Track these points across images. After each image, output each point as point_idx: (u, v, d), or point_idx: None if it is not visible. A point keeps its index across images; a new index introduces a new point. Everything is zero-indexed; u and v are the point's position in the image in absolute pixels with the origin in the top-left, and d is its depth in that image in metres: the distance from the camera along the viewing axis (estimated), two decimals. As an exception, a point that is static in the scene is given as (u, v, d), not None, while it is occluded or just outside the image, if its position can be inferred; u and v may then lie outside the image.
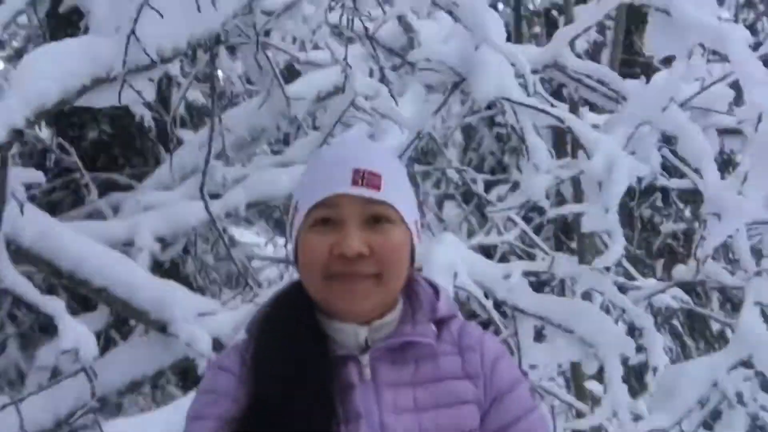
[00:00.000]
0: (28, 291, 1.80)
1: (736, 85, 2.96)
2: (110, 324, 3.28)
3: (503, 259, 5.27)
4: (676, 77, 2.58)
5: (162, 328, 2.26)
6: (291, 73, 4.31)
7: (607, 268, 2.41)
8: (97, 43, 1.81)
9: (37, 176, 2.14)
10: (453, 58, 2.51)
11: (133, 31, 1.77)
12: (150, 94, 1.93)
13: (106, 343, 3.11)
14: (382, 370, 1.07)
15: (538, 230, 5.07)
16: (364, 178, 1.07)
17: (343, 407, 1.04)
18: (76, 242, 2.17)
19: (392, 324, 1.11)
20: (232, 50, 4.80)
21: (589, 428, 2.28)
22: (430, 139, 4.41)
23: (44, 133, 4.27)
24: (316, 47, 3.80)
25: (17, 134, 1.61)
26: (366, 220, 1.07)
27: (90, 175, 3.82)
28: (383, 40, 3.80)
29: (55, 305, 1.79)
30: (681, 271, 2.91)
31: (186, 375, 3.09)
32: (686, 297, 3.52)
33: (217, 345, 2.30)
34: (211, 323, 2.32)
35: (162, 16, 1.79)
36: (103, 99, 1.85)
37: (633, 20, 4.61)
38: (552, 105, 2.77)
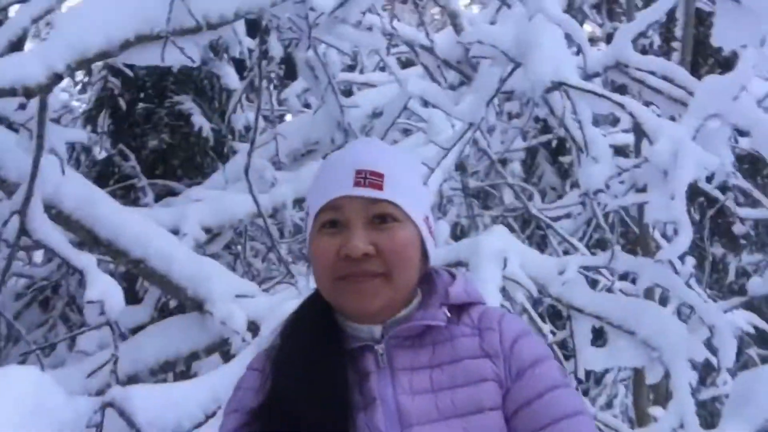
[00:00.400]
0: (60, 244, 1.77)
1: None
2: (154, 318, 3.26)
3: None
4: (747, 65, 2.41)
5: (198, 305, 2.20)
6: (346, 94, 4.32)
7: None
8: (145, 0, 1.81)
9: (79, 135, 2.14)
10: (506, 41, 2.42)
11: (180, -8, 1.77)
12: (195, 57, 1.91)
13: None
14: (397, 356, 1.08)
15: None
16: (366, 178, 1.09)
17: (361, 394, 1.05)
18: (117, 212, 2.14)
19: (409, 318, 1.12)
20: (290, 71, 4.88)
21: (653, 438, 2.06)
22: (488, 161, 4.33)
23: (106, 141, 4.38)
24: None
25: (56, 78, 1.61)
26: (371, 220, 1.08)
27: (148, 182, 3.88)
28: (440, 52, 3.77)
29: (85, 259, 1.75)
30: (756, 284, 2.66)
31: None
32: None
33: (253, 326, 2.21)
34: (248, 305, 2.24)
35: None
36: (145, 57, 1.84)
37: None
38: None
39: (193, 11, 1.87)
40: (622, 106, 2.38)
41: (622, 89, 3.49)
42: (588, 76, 2.79)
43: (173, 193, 4.10)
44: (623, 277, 3.34)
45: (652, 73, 2.89)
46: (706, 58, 4.66)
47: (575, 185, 6.36)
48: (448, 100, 2.75)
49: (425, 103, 3.50)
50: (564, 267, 2.32)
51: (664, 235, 3.86)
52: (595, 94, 2.38)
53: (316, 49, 3.26)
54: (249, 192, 2.48)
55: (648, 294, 2.33)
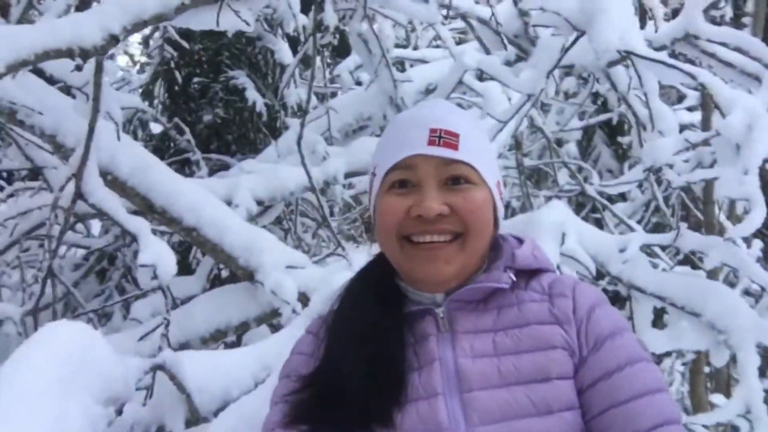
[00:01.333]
0: (115, 209, 1.77)
1: None
2: (206, 289, 3.29)
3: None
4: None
5: (250, 275, 2.19)
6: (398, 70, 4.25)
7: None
8: (201, -37, 1.79)
9: (135, 101, 2.15)
10: (570, 8, 2.32)
11: (236, -44, 1.74)
12: (250, 22, 1.88)
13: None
14: (459, 320, 1.04)
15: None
16: (441, 137, 1.04)
17: (416, 355, 1.02)
18: (172, 180, 2.15)
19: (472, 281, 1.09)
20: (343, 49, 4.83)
21: (715, 425, 1.95)
22: (544, 138, 4.20)
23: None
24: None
25: (113, 40, 1.60)
26: (445, 181, 1.04)
27: (202, 156, 3.91)
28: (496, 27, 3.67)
29: (139, 223, 1.75)
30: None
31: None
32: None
33: (303, 297, 2.19)
34: (298, 276, 2.22)
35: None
36: (200, 21, 1.81)
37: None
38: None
39: (248, -25, 1.84)
40: (693, 77, 2.26)
41: (690, 64, 3.34)
42: (654, 50, 2.66)
43: (227, 168, 4.14)
44: (684, 261, 3.21)
45: (724, 45, 2.74)
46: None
47: (633, 167, 6.16)
48: (506, 72, 2.66)
49: (480, 78, 3.42)
50: (625, 245, 2.22)
51: (728, 218, 3.69)
52: (665, 64, 2.27)
53: (371, 21, 3.21)
54: (301, 163, 2.46)
55: (710, 277, 2.20)
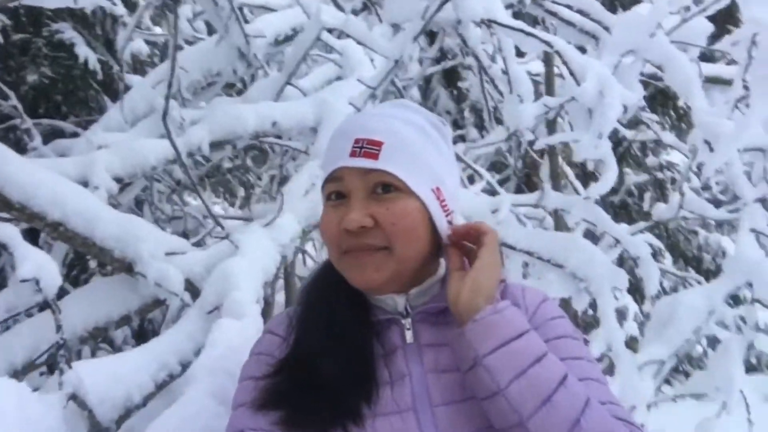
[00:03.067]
0: (-24, 216, 1.58)
1: (712, 19, 2.89)
2: (63, 275, 3.04)
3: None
4: (663, 3, 2.49)
5: (128, 267, 2.06)
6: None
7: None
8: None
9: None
10: (436, -25, 2.35)
11: None
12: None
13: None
14: (423, 332, 1.08)
15: (501, 184, 5.02)
16: (363, 147, 1.06)
17: (389, 369, 1.05)
18: (27, 170, 1.92)
19: (435, 287, 1.13)
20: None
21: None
22: (391, 85, 4.26)
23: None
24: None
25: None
26: (373, 189, 1.06)
27: (32, 122, 3.52)
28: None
29: (8, 231, 1.57)
30: (661, 210, 2.85)
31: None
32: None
33: (190, 286, 2.11)
34: (180, 262, 2.12)
35: None
36: (57, -1, 1.61)
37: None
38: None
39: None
40: (549, 44, 2.40)
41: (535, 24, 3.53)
42: (506, 7, 2.79)
43: (62, 134, 3.77)
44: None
45: (569, 7, 2.93)
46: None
47: (472, 109, 6.46)
48: (370, 36, 2.65)
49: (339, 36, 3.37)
50: (497, 206, 2.37)
51: (568, 165, 4.04)
52: (523, 32, 2.39)
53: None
54: (168, 138, 2.31)
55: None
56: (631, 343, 3.41)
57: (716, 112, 2.36)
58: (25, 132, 3.43)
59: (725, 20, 3.17)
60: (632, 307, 3.35)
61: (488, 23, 2.38)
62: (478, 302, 1.01)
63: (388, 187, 1.06)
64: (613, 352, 2.17)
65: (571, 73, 2.41)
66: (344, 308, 1.10)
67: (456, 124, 6.92)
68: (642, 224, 2.95)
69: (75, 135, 3.78)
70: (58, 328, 1.44)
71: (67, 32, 3.80)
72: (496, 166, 5.73)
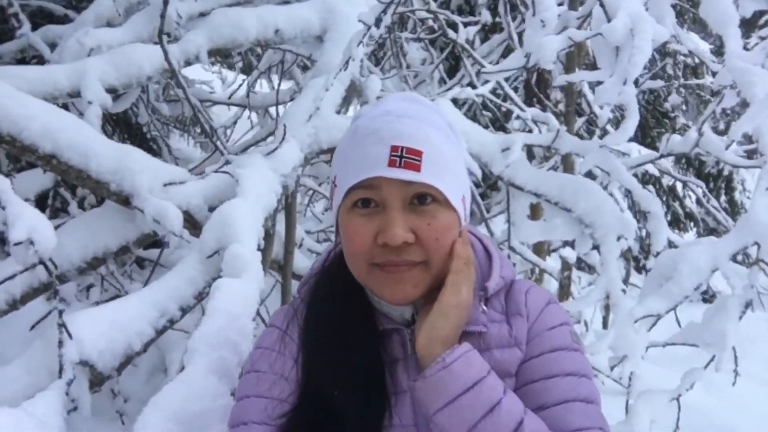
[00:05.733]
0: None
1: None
2: (58, 182, 2.99)
3: (470, 109, 5.04)
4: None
5: (124, 200, 2.00)
6: None
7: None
8: None
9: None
10: None
11: None
12: None
13: (53, 210, 2.84)
14: None
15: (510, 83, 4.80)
16: (402, 157, 1.00)
17: (392, 380, 1.04)
18: (17, 100, 1.82)
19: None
20: None
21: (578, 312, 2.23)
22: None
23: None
24: None
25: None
26: (411, 200, 1.02)
27: (19, 3, 3.30)
28: None
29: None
30: (676, 142, 2.76)
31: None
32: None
33: (189, 218, 2.07)
34: (179, 194, 2.06)
35: None
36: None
37: None
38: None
39: None
40: (580, -30, 2.20)
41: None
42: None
43: (52, 17, 3.55)
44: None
45: None
46: None
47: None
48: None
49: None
50: (508, 144, 2.27)
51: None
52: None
53: None
54: (165, 59, 2.16)
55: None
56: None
57: (750, 57, 2.21)
58: (13, 16, 3.23)
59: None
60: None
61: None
62: (435, 350, 0.99)
63: (424, 197, 1.02)
64: (611, 300, 2.18)
65: (602, 5, 2.23)
66: (355, 320, 1.08)
67: (468, 3, 6.54)
68: (654, 154, 2.87)
69: (66, 18, 3.57)
70: (55, 293, 1.41)
71: None
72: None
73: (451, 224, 1.04)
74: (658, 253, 2.10)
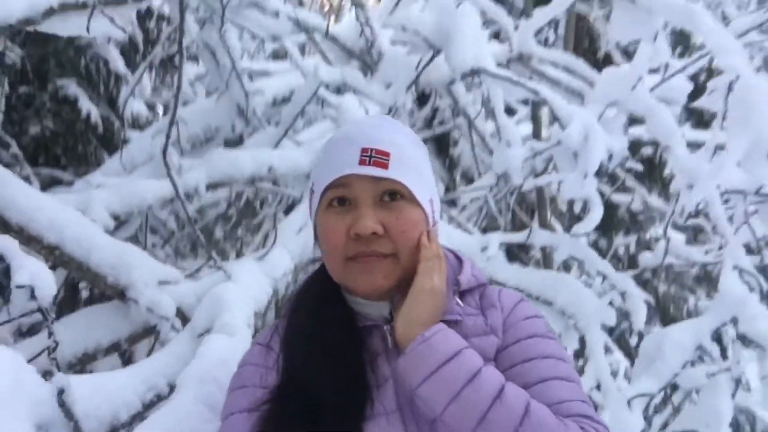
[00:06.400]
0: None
1: (694, 78, 3.04)
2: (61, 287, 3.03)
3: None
4: (643, 58, 2.63)
5: (120, 293, 2.07)
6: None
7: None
8: (69, -35, 1.69)
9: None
10: (429, 27, 2.49)
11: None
12: (126, 28, 1.80)
13: (58, 310, 2.85)
14: None
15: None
16: (372, 156, 1.09)
17: (374, 373, 1.08)
18: (28, 194, 1.97)
19: None
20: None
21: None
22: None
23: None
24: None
25: (-23, 42, 1.46)
26: (381, 196, 1.10)
27: (32, 170, 3.60)
28: (343, 42, 3.77)
29: (6, 242, 1.60)
30: (647, 258, 2.91)
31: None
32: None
33: (181, 315, 2.12)
34: (173, 292, 2.14)
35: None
36: (70, 26, 1.71)
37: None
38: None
39: (119, -20, 1.77)
40: (535, 92, 2.52)
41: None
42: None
43: (59, 183, 3.84)
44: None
45: (555, 65, 3.08)
46: (584, 53, 5.01)
47: (464, 176, 6.59)
48: (368, 85, 2.77)
49: (338, 90, 3.50)
50: (485, 244, 2.42)
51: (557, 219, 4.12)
52: (511, 81, 2.51)
53: (221, 31, 3.17)
54: (167, 174, 2.37)
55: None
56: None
57: (696, 158, 2.45)
58: (24, 179, 3.49)
59: (705, 79, 3.31)
60: (623, 363, 3.35)
61: (478, 73, 2.50)
62: (414, 332, 1.04)
63: (394, 195, 1.11)
64: (603, 387, 2.17)
65: (557, 120, 2.52)
66: (333, 319, 1.13)
67: (448, 190, 7.03)
68: (630, 272, 2.99)
69: (73, 184, 3.85)
70: (50, 334, 1.45)
71: (71, 88, 3.93)
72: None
73: (418, 220, 1.11)
74: (639, 332, 2.14)
